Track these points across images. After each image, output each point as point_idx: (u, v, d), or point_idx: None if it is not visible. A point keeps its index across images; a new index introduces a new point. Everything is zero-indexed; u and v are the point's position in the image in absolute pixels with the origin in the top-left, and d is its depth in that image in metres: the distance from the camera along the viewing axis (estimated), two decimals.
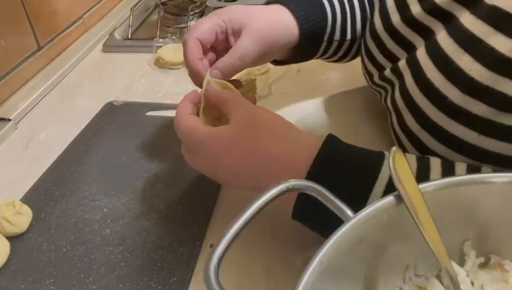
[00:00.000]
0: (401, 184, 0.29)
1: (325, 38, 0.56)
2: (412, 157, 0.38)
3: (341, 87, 0.69)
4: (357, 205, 0.30)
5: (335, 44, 0.58)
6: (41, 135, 0.64)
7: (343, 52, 0.60)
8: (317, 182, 0.32)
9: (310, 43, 0.55)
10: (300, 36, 0.53)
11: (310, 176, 0.36)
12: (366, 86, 0.59)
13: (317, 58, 0.60)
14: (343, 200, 0.30)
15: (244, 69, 0.50)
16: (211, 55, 0.51)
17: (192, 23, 0.90)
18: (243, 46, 0.48)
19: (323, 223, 0.31)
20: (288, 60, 0.59)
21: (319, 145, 0.38)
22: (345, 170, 0.37)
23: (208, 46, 0.50)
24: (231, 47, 0.49)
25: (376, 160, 0.37)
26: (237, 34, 0.50)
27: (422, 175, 0.36)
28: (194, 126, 0.42)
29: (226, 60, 0.48)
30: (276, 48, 0.52)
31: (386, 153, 0.38)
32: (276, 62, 0.59)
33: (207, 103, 0.46)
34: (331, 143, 0.39)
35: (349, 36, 0.58)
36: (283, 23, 0.52)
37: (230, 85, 0.48)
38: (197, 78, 0.48)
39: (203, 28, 0.48)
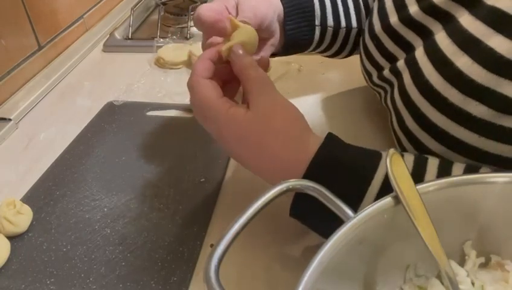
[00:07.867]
0: (399, 186, 0.29)
1: (317, 22, 0.56)
2: (410, 157, 0.38)
3: (341, 87, 0.70)
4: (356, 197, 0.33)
5: (329, 32, 0.57)
6: (42, 135, 0.64)
7: (339, 43, 0.60)
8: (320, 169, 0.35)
9: (298, 25, 0.55)
10: (285, 15, 0.53)
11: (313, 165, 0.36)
12: (366, 86, 0.59)
13: (314, 50, 0.60)
14: (341, 191, 0.32)
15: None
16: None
17: (192, 23, 0.90)
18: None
19: (320, 221, 0.31)
20: (282, 52, 0.57)
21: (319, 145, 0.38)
22: (345, 162, 0.37)
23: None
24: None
25: (373, 160, 0.37)
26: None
27: (417, 175, 0.36)
28: (209, 97, 0.40)
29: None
30: (265, 26, 0.50)
31: (383, 152, 0.38)
32: (272, 54, 0.57)
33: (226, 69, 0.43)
34: (331, 139, 0.39)
35: (343, 24, 0.58)
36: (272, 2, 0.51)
37: (252, 29, 0.45)
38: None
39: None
